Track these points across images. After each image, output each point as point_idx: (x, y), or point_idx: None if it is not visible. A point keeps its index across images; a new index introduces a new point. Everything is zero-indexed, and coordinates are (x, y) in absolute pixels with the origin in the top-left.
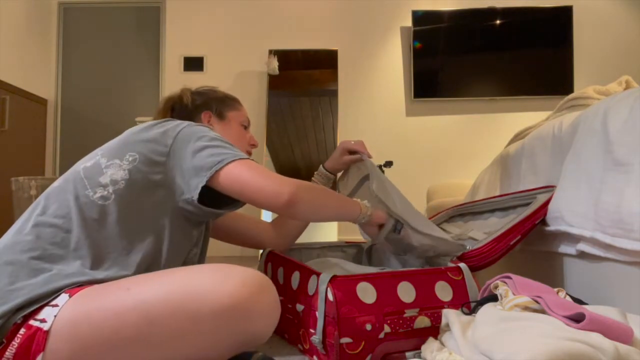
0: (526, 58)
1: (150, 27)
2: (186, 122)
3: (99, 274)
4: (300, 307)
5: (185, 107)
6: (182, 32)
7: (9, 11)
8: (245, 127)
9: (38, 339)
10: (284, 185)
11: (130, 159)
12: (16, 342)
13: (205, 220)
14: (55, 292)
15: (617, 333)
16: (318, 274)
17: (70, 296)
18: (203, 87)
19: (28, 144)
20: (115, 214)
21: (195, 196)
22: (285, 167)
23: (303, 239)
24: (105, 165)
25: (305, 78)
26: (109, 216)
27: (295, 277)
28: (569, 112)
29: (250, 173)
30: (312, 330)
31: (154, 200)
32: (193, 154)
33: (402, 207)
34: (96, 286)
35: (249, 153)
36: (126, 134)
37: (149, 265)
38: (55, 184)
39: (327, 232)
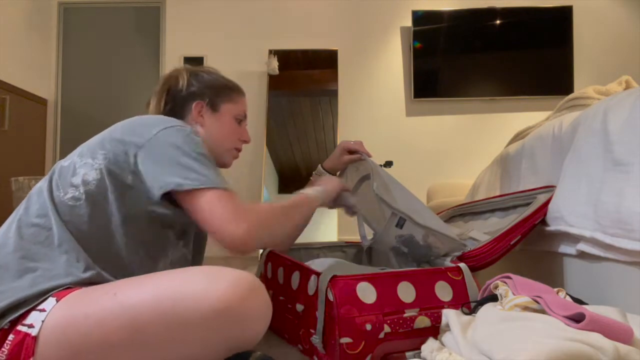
0: (526, 58)
1: (150, 27)
2: (165, 124)
3: (85, 274)
4: (300, 307)
5: (179, 92)
6: (182, 32)
7: (9, 11)
8: (240, 121)
9: (27, 345)
10: (236, 236)
11: (102, 158)
12: (6, 348)
13: (178, 222)
14: (41, 295)
15: (617, 333)
16: (318, 274)
17: (57, 300)
18: (204, 70)
19: (28, 144)
20: (86, 215)
21: (155, 198)
22: (285, 167)
23: (303, 239)
24: (79, 165)
25: (305, 78)
26: (80, 217)
27: (295, 277)
28: (569, 112)
29: (209, 208)
30: (312, 330)
31: (123, 201)
32: (161, 159)
33: (406, 203)
34: (84, 290)
35: (239, 149)
36: (106, 131)
37: (129, 263)
38: (38, 184)
39: (327, 232)
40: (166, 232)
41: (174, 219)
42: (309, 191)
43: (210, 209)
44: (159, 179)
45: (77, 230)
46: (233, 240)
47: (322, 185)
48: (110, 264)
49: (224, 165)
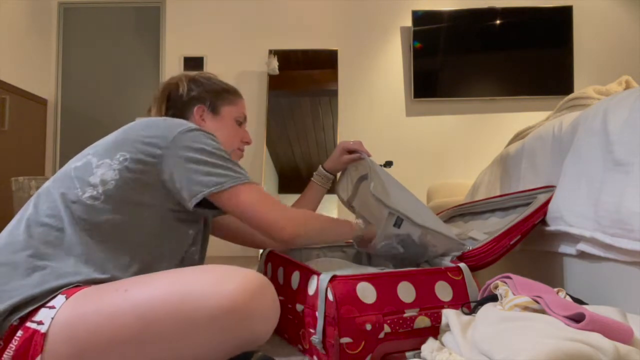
0: (526, 58)
1: (150, 27)
2: (184, 126)
3: (94, 274)
4: (300, 307)
5: (180, 97)
6: (182, 32)
7: (9, 11)
8: (241, 123)
9: (36, 341)
10: (287, 222)
11: (121, 159)
12: (14, 344)
13: (199, 218)
14: (51, 293)
15: (617, 333)
16: (318, 274)
17: (67, 297)
18: (202, 75)
19: (28, 144)
20: (104, 214)
21: (191, 206)
22: (285, 167)
23: None
24: (96, 165)
25: (305, 78)
26: (98, 216)
27: (295, 277)
28: (569, 112)
29: (254, 201)
30: (312, 330)
31: (144, 201)
32: (190, 164)
33: (404, 202)
34: (93, 287)
35: (241, 150)
36: (120, 132)
37: (143, 264)
38: (46, 184)
39: None
40: (185, 229)
41: (196, 216)
42: (355, 221)
43: (257, 201)
44: (194, 181)
45: (92, 230)
46: (282, 225)
47: (364, 229)
48: (123, 263)
49: None
